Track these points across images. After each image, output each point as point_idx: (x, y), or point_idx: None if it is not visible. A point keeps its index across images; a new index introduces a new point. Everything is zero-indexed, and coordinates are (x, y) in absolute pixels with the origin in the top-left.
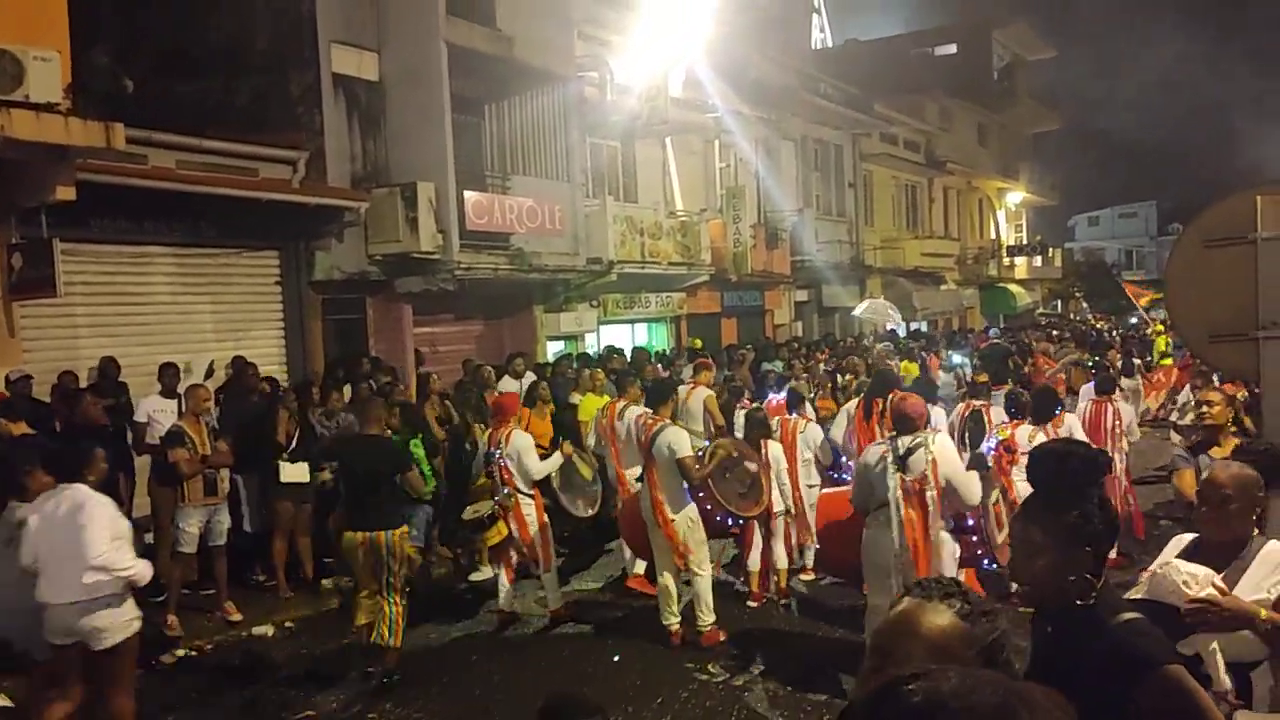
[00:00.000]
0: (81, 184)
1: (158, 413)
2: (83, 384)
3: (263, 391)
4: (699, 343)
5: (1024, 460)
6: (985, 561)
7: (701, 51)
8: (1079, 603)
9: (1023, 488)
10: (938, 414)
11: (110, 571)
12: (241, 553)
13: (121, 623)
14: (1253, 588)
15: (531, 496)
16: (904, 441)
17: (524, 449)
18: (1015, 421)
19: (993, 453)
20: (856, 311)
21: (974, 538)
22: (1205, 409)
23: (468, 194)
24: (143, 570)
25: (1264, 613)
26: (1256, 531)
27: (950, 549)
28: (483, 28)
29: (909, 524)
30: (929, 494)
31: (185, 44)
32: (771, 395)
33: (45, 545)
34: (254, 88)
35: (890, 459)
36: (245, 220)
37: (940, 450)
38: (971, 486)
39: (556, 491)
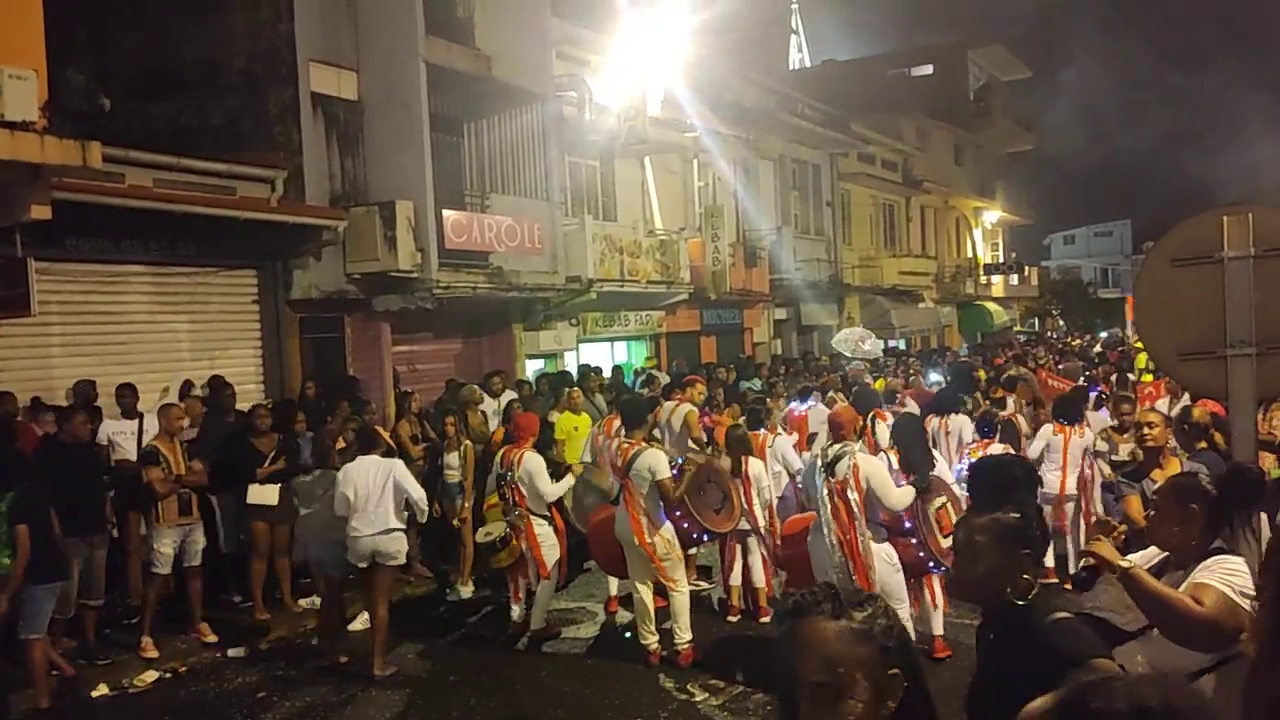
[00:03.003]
0: (57, 203)
1: (117, 435)
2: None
3: (240, 411)
4: (652, 361)
5: None
6: (930, 565)
7: (680, 72)
8: (1018, 604)
9: (1101, 470)
10: (960, 421)
11: (418, 507)
12: (217, 574)
13: (404, 549)
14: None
15: (545, 517)
16: (833, 449)
17: (535, 471)
18: (985, 441)
19: (964, 472)
20: (834, 341)
21: (914, 540)
22: (1145, 431)
23: (446, 212)
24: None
25: (1121, 562)
26: (1222, 544)
27: (887, 554)
28: (461, 47)
29: (839, 525)
30: (850, 495)
31: (163, 63)
32: (794, 406)
33: (359, 495)
34: (232, 106)
35: (820, 465)
36: (223, 239)
37: (864, 457)
38: (890, 491)
39: (569, 513)
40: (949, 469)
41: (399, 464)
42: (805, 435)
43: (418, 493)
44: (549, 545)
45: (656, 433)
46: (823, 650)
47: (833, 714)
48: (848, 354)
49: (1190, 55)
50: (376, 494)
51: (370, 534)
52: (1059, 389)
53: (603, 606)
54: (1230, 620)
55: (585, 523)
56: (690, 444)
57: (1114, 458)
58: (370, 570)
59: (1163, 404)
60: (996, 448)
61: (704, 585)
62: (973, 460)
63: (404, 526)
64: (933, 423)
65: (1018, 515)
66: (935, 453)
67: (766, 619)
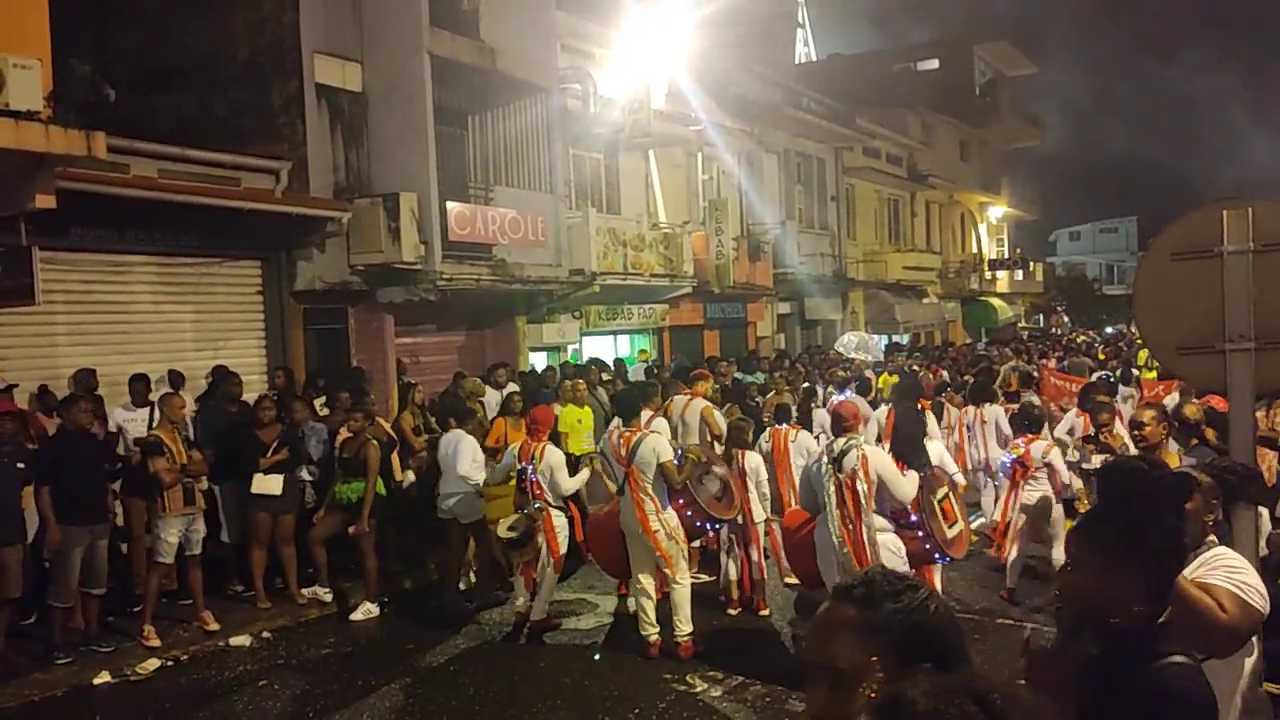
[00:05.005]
0: (62, 192)
1: (127, 422)
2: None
3: (244, 402)
4: (646, 355)
5: (1039, 474)
6: (936, 556)
7: (684, 65)
8: (1124, 629)
9: (1031, 498)
10: (994, 411)
11: (467, 480)
12: (219, 563)
13: (469, 510)
14: None
15: (562, 509)
16: (839, 443)
17: (556, 465)
18: (1029, 436)
19: (1009, 468)
20: (839, 346)
21: (919, 533)
22: (1139, 431)
23: (450, 205)
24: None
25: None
26: (1214, 538)
27: (894, 545)
28: (466, 39)
29: (844, 519)
30: (860, 488)
31: (168, 55)
32: (836, 397)
33: (443, 462)
34: (237, 98)
35: (826, 460)
36: (227, 230)
37: (871, 449)
38: (900, 483)
39: (585, 505)
40: (948, 459)
41: (462, 437)
42: None
43: (463, 468)
44: (564, 537)
45: (666, 426)
46: (842, 638)
47: (845, 699)
48: (854, 355)
49: (1198, 55)
50: (450, 462)
51: (444, 494)
52: (1063, 387)
53: (604, 599)
54: (1245, 624)
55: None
56: (709, 439)
57: (1085, 466)
58: (449, 524)
59: (1172, 399)
60: (1040, 443)
61: (704, 578)
62: (1104, 465)
63: (464, 490)
64: (969, 413)
65: (1125, 527)
66: (935, 443)
67: (765, 612)
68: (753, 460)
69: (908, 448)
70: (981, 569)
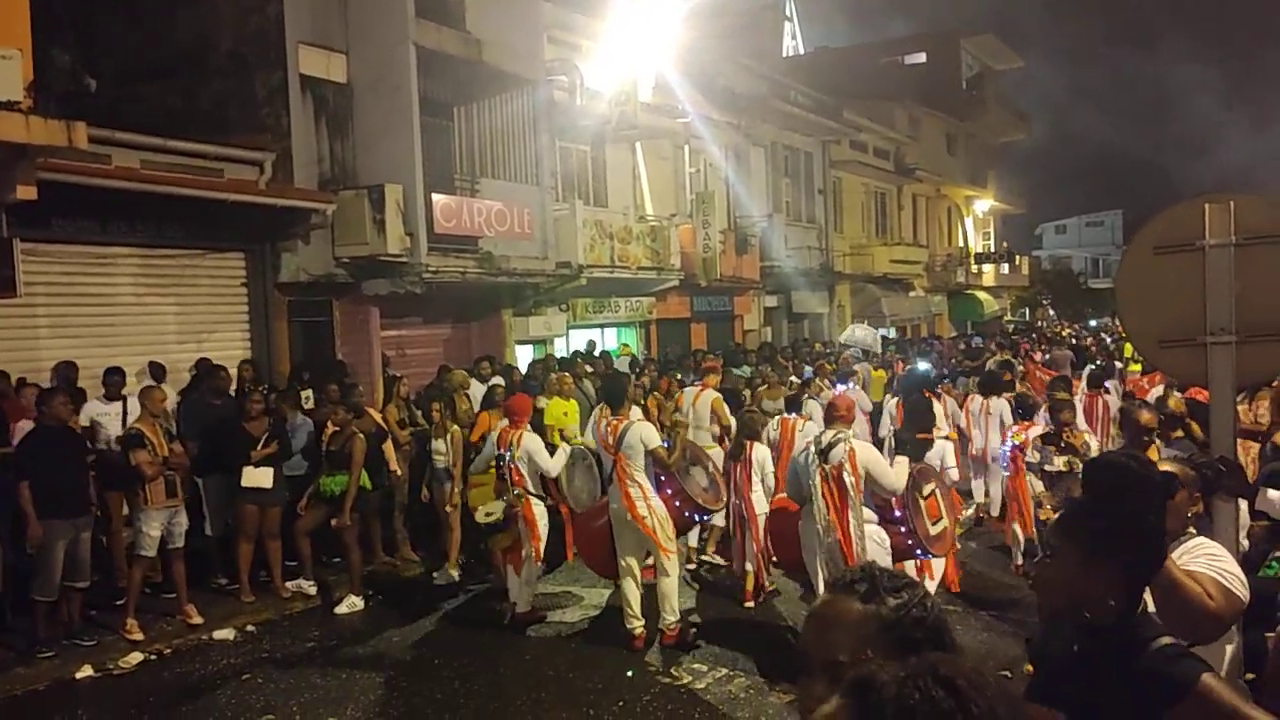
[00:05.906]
0: (43, 183)
1: (101, 416)
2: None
3: (228, 394)
4: (630, 350)
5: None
6: (918, 551)
7: (672, 57)
8: (1102, 625)
9: (1033, 484)
10: (1000, 404)
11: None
12: (202, 556)
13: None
14: None
15: (542, 497)
16: (826, 435)
17: (535, 450)
18: (1026, 424)
19: (1009, 453)
20: (843, 339)
21: (902, 528)
22: (1146, 436)
23: (436, 197)
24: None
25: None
26: (1193, 530)
27: (879, 537)
28: (452, 30)
29: (831, 510)
30: (847, 479)
31: (151, 45)
32: (838, 387)
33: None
34: (220, 89)
35: (814, 451)
36: (211, 221)
37: (859, 444)
38: (886, 473)
39: (564, 492)
40: (949, 454)
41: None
42: None
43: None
44: (544, 525)
45: (680, 417)
46: (844, 631)
47: None
48: (854, 342)
49: (1186, 50)
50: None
51: None
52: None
53: (589, 591)
54: (1230, 611)
55: (577, 503)
56: (717, 429)
57: (1046, 468)
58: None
59: (1156, 392)
60: (1036, 429)
61: (693, 563)
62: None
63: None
64: (975, 403)
65: (1102, 522)
66: (941, 439)
67: (749, 604)
68: (760, 453)
69: (915, 423)
70: (975, 550)
